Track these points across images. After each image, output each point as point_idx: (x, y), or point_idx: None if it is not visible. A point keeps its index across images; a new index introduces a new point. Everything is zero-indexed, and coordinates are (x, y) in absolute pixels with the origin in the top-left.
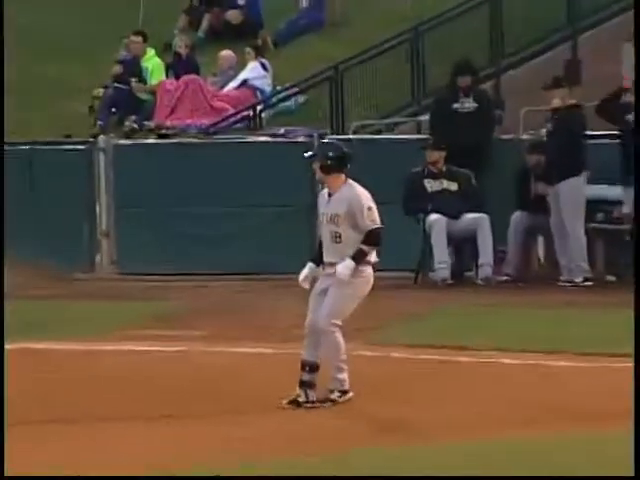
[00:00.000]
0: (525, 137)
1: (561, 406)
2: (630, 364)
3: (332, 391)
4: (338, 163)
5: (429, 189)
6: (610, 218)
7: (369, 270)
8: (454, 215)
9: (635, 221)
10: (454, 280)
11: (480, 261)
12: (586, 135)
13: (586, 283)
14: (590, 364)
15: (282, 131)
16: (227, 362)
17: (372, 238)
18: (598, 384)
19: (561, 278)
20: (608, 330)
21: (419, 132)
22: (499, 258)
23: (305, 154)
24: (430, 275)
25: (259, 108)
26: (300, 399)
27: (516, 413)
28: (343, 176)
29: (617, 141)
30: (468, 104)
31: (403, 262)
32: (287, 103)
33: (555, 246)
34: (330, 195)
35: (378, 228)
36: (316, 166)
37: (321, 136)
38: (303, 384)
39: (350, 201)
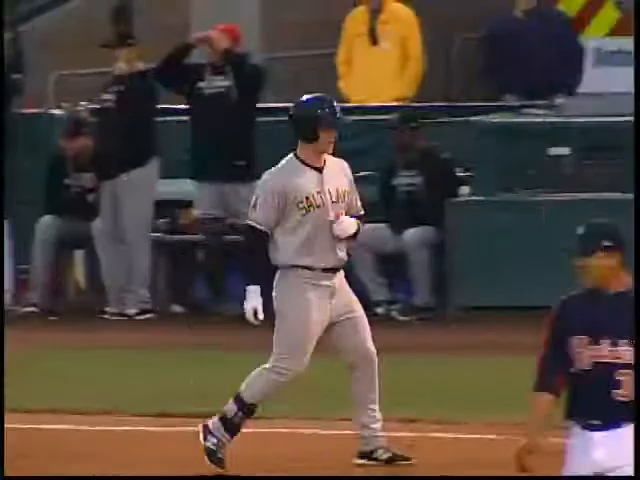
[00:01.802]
0: (59, 112)
1: None
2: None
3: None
4: None
5: None
6: (176, 226)
7: None
8: None
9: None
10: None
11: None
12: (156, 110)
13: (144, 316)
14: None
15: None
16: None
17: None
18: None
19: (108, 309)
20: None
21: None
22: (21, 280)
23: (338, 115)
24: None
25: None
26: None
27: None
28: None
29: (185, 118)
30: None
31: None
32: None
33: (102, 264)
34: (319, 169)
35: None
36: (335, 134)
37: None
38: (236, 428)
39: (347, 175)
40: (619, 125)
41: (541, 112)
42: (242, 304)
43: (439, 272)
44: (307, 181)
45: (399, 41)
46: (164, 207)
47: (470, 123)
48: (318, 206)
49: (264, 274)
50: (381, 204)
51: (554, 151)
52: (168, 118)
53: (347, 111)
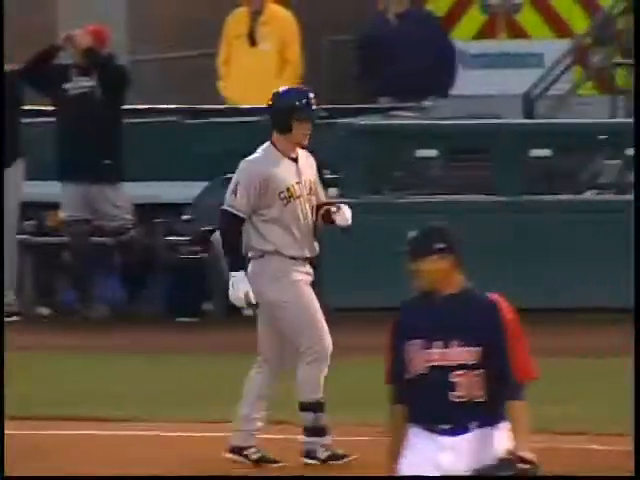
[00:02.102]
0: None
1: None
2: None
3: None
4: None
5: None
6: (42, 228)
7: None
8: None
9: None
10: None
11: None
12: (22, 111)
13: (10, 319)
14: None
15: None
16: None
17: None
18: None
19: None
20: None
21: None
22: None
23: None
24: None
25: None
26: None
27: None
28: None
29: (51, 119)
30: None
31: None
32: None
33: None
34: (295, 160)
35: None
36: (309, 126)
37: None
38: (323, 429)
39: (313, 166)
40: (485, 127)
41: (409, 114)
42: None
43: None
44: (286, 171)
45: (278, 43)
46: (30, 209)
47: (338, 125)
48: (298, 197)
49: (244, 260)
50: None
51: (422, 153)
52: (34, 119)
53: (218, 113)
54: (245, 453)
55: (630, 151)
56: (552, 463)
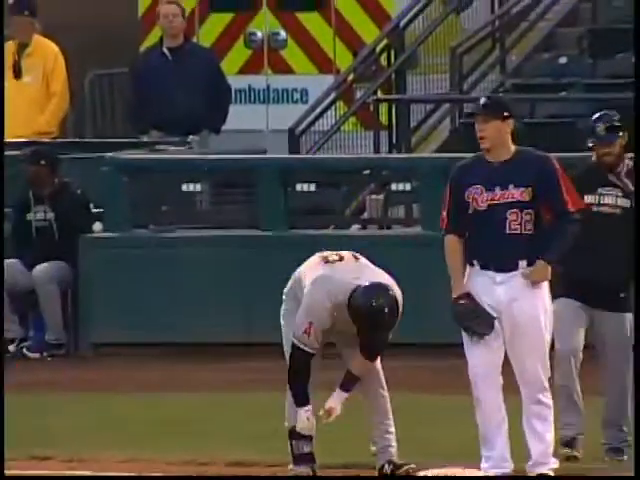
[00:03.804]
0: None
1: None
2: None
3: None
4: None
5: None
6: None
7: None
8: None
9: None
10: None
11: None
12: None
13: None
14: None
15: None
16: None
17: None
18: None
19: None
20: None
21: None
22: None
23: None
24: None
25: None
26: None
27: None
28: None
29: None
30: None
31: None
32: None
33: None
34: None
35: None
36: None
37: None
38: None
39: None
40: (251, 162)
41: (175, 149)
42: None
43: (73, 308)
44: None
45: (43, 75)
46: None
47: (103, 159)
48: None
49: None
50: (14, 240)
51: (187, 187)
52: None
53: None
54: None
55: (394, 186)
56: None
